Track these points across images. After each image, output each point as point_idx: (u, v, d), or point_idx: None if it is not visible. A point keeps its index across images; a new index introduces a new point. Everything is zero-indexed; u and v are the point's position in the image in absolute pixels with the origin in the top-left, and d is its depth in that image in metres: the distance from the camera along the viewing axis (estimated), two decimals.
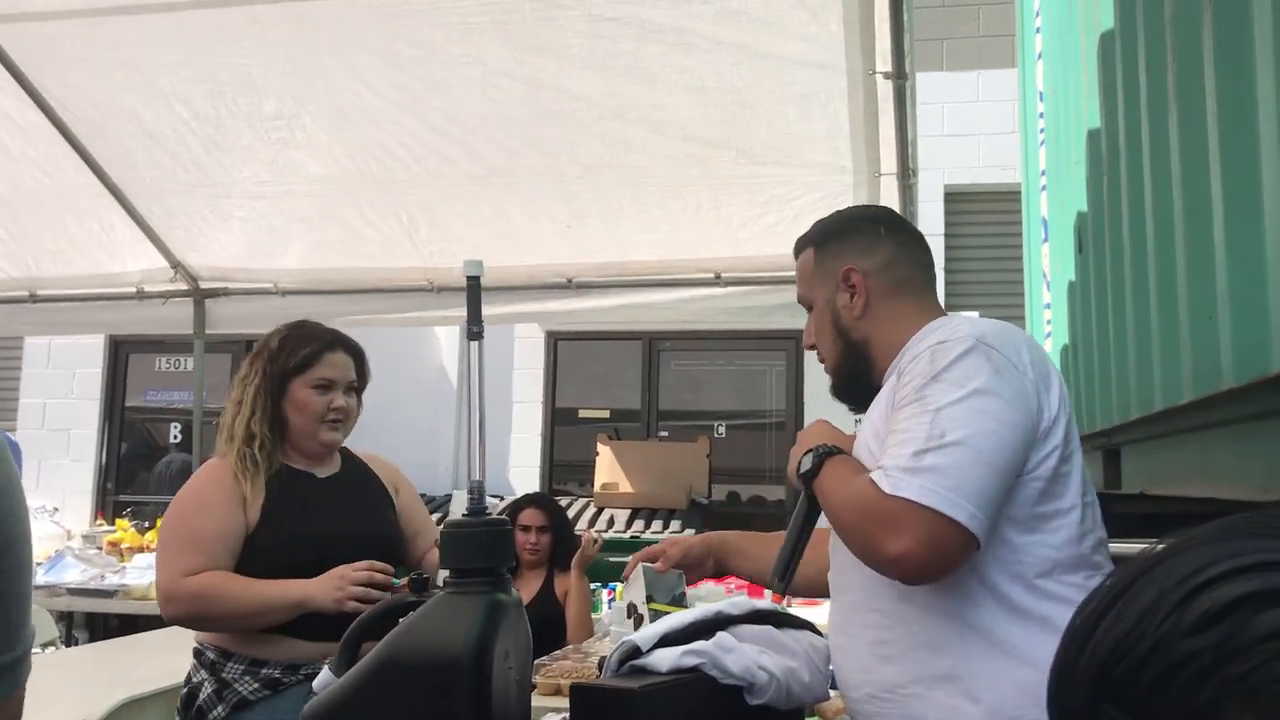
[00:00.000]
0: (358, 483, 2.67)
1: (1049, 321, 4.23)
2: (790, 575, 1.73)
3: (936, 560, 1.48)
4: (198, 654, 2.45)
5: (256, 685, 2.34)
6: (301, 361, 2.57)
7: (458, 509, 1.86)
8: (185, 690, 2.43)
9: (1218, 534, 0.68)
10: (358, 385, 2.67)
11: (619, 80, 3.93)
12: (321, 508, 2.54)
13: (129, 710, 2.92)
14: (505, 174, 4.49)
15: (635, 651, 1.69)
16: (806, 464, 1.69)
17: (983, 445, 1.50)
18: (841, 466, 1.67)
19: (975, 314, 1.91)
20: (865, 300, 1.80)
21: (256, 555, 2.43)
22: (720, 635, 1.70)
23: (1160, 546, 0.69)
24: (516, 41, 3.82)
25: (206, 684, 2.37)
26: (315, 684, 1.63)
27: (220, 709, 2.33)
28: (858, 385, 1.84)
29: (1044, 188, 4.38)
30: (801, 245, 1.94)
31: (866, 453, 1.68)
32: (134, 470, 9.41)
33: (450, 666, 1.40)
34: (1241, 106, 1.71)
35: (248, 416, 2.55)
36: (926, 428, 1.51)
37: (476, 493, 1.54)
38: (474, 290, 1.59)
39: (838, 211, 1.98)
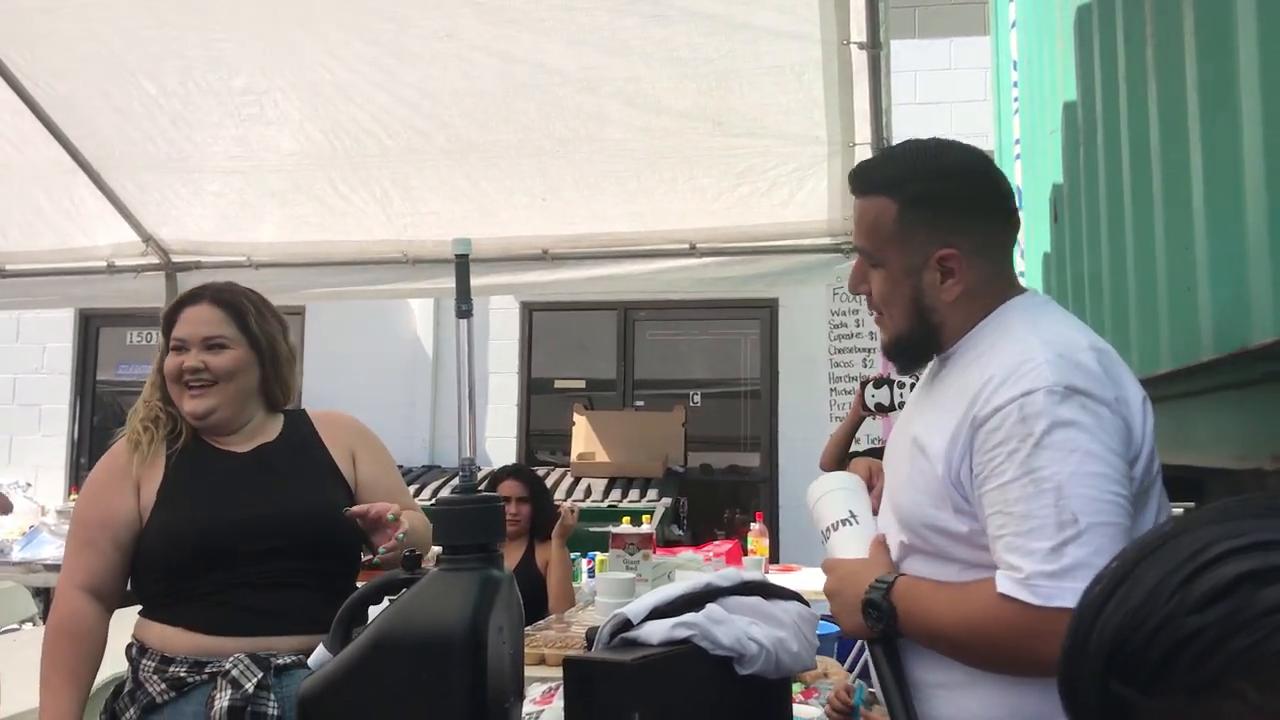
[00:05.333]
0: (292, 454, 2.33)
1: None
2: None
3: None
4: (127, 647, 2.27)
5: (164, 686, 2.14)
6: (166, 324, 2.31)
7: None
8: (119, 682, 2.27)
9: (1217, 516, 0.70)
10: (229, 339, 2.29)
11: (594, 53, 3.92)
12: (224, 492, 2.23)
13: (110, 688, 2.89)
14: (480, 148, 4.47)
15: (626, 624, 1.70)
16: (877, 610, 1.55)
17: (1112, 515, 1.38)
18: (917, 591, 1.54)
19: (1030, 294, 1.71)
20: (963, 288, 1.59)
21: (143, 553, 2.21)
22: (710, 607, 1.71)
23: (1164, 529, 0.71)
24: (491, 15, 3.79)
25: (128, 681, 2.21)
26: (311, 661, 1.63)
27: (132, 711, 2.15)
28: (917, 357, 1.68)
29: (1018, 157, 4.41)
30: (873, 187, 1.64)
31: (917, 448, 1.58)
32: (106, 444, 9.31)
33: (446, 643, 1.41)
34: (1222, 78, 1.72)
35: (147, 390, 2.36)
36: (1053, 512, 1.38)
37: (468, 470, 1.55)
38: (462, 268, 1.58)
39: (923, 150, 1.65)
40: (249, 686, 2.09)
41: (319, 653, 1.61)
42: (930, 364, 1.71)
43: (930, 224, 1.59)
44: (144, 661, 2.19)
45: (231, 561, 2.18)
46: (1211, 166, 1.81)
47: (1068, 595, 1.33)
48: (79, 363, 9.33)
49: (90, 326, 9.34)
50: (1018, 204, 1.70)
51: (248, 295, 2.37)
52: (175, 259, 5.41)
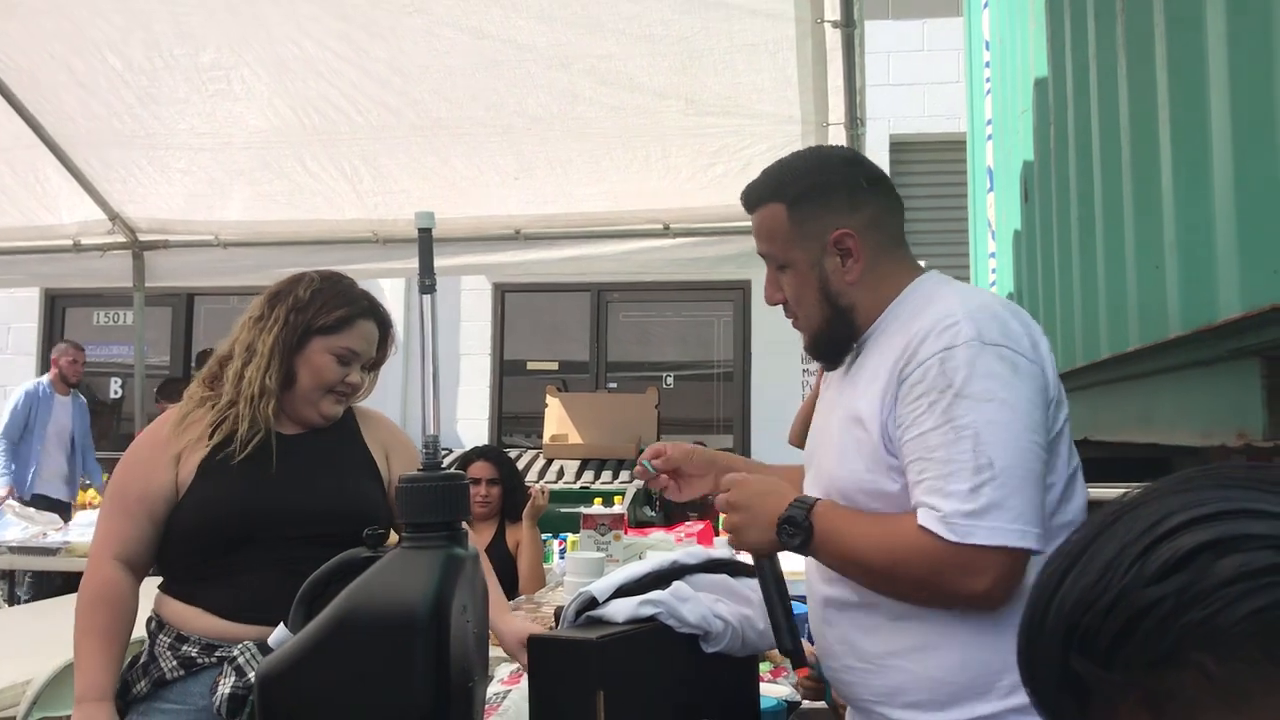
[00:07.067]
0: (334, 445, 2.37)
1: (994, 270, 4.27)
2: (798, 640, 1.67)
3: (1013, 587, 1.47)
4: (147, 620, 2.29)
5: (175, 663, 2.17)
6: (333, 323, 2.31)
7: None
8: (136, 652, 2.30)
9: (1176, 486, 0.69)
10: (376, 361, 2.43)
11: (565, 29, 3.88)
12: (267, 474, 2.24)
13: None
14: (450, 126, 4.44)
15: (592, 602, 1.70)
16: (794, 526, 1.59)
17: (1025, 461, 1.47)
18: (837, 515, 1.60)
19: (936, 272, 1.79)
20: (863, 265, 1.68)
21: (175, 528, 2.22)
22: (676, 585, 1.71)
23: (1122, 501, 0.70)
24: None
25: (144, 653, 2.24)
26: (271, 640, 1.62)
27: (144, 684, 2.19)
28: (837, 347, 1.74)
29: (989, 137, 4.41)
30: (761, 198, 1.75)
31: (851, 422, 1.62)
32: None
33: (408, 621, 1.40)
34: (1192, 55, 1.72)
35: (263, 369, 2.26)
36: (970, 457, 1.46)
37: (432, 447, 1.53)
38: (425, 243, 1.56)
39: (796, 157, 1.80)
40: (252, 676, 2.05)
41: (279, 632, 1.60)
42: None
43: (819, 213, 1.69)
44: (160, 636, 2.22)
45: (262, 545, 2.19)
46: (1180, 143, 1.81)
47: (982, 533, 1.44)
48: (45, 343, 9.23)
49: (56, 306, 9.25)
50: (893, 186, 1.78)
51: (390, 320, 2.46)
52: (142, 238, 5.35)
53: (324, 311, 2.31)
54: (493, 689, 2.53)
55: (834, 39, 3.77)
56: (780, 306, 1.77)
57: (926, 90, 8.13)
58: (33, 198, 5.10)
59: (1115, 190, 2.22)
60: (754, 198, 1.77)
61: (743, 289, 8.48)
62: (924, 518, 1.48)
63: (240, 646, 2.10)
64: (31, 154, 4.79)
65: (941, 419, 1.49)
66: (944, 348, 1.51)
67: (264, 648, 2.05)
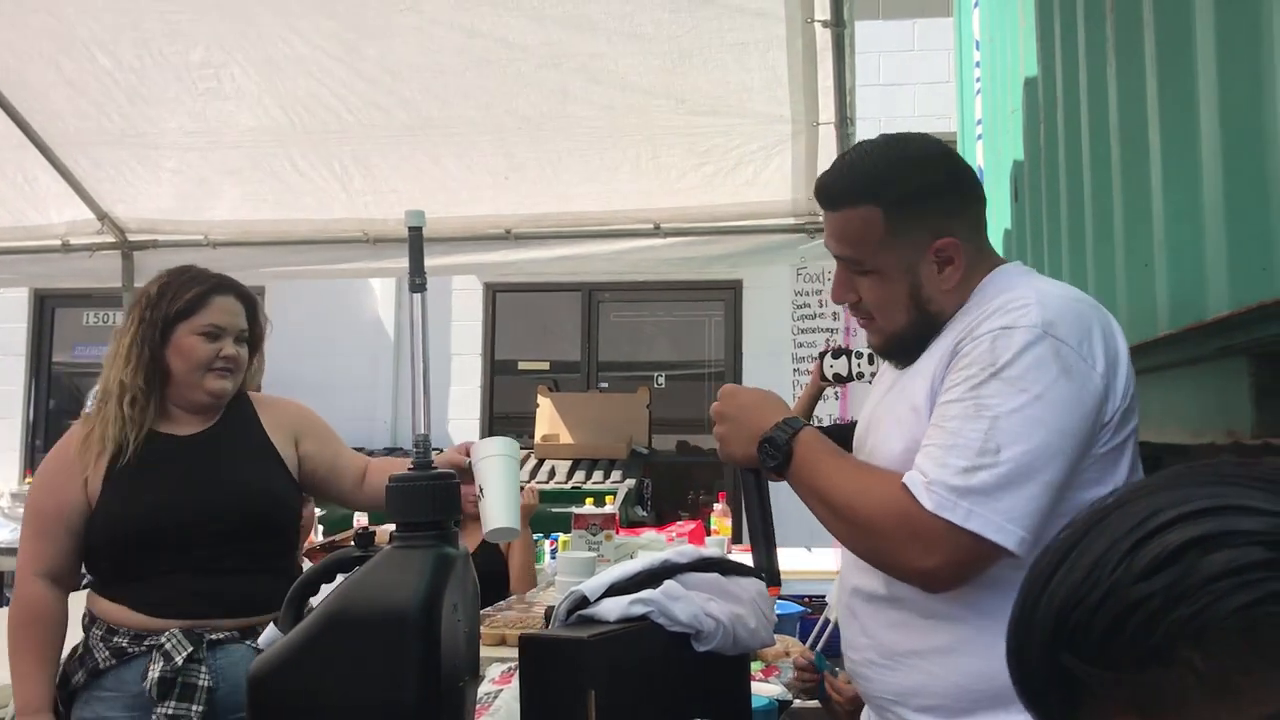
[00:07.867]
0: (231, 439, 2.44)
1: None
2: (774, 561, 1.63)
3: (964, 577, 1.42)
4: (83, 615, 2.40)
5: (108, 654, 2.29)
6: (186, 306, 2.37)
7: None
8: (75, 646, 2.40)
9: (1165, 483, 0.69)
10: (249, 335, 2.48)
11: (556, 28, 3.88)
12: (166, 478, 2.33)
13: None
14: (441, 125, 4.43)
15: (583, 601, 1.69)
16: (774, 448, 1.55)
17: (1038, 462, 1.38)
18: (821, 447, 1.54)
19: (1019, 263, 1.70)
20: (961, 272, 1.55)
21: (92, 539, 2.33)
22: (668, 583, 1.70)
23: (1110, 498, 0.70)
24: None
25: (80, 645, 2.36)
26: (261, 641, 1.62)
27: (80, 674, 2.31)
28: (916, 347, 1.61)
29: (979, 136, 4.42)
30: (850, 198, 1.58)
31: (910, 411, 1.54)
32: (62, 427, 9.22)
33: (399, 620, 1.40)
34: (1180, 54, 1.72)
35: (123, 368, 2.35)
36: (980, 438, 1.38)
37: (422, 446, 1.54)
38: (416, 241, 1.57)
39: (887, 150, 1.61)
40: (179, 659, 2.22)
41: (269, 632, 1.60)
42: None
43: (921, 219, 1.55)
44: (93, 630, 2.34)
45: (171, 546, 2.30)
46: (1169, 143, 1.82)
47: (959, 513, 1.37)
48: (34, 344, 9.20)
49: (45, 307, 9.21)
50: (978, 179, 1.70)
51: (254, 295, 2.55)
52: (131, 238, 5.33)
53: (176, 298, 2.39)
54: (483, 689, 2.52)
55: (824, 38, 3.77)
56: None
57: (917, 90, 8.14)
58: (21, 198, 5.08)
59: (1104, 189, 2.23)
60: (839, 196, 1.60)
61: (734, 289, 8.48)
62: (909, 478, 1.42)
63: (167, 634, 2.26)
64: (20, 154, 4.77)
65: (969, 393, 1.41)
66: (1003, 326, 1.43)
67: (189, 634, 2.25)
